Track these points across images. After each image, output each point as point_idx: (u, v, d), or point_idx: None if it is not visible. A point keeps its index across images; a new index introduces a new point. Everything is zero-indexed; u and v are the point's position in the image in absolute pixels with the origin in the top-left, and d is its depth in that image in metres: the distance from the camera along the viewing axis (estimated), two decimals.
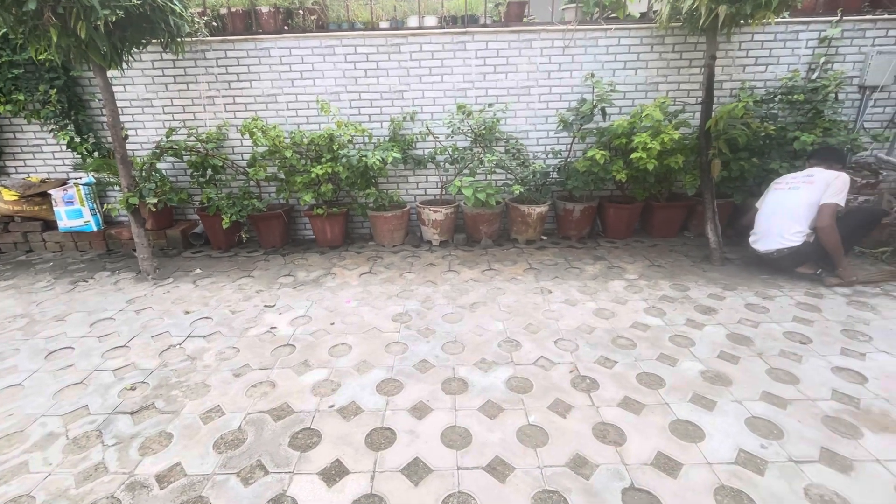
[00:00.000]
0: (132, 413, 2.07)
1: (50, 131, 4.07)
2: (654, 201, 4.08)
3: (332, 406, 2.08)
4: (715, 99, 3.97)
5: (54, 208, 4.09)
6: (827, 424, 1.87)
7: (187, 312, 3.02)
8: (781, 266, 3.25)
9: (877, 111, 4.08)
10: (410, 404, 2.07)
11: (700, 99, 3.51)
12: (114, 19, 2.68)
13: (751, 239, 3.37)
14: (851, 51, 3.92)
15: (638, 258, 3.74)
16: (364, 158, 3.60)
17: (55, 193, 4.04)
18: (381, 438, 1.88)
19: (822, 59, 3.89)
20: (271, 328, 2.79)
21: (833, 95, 3.72)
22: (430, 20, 3.95)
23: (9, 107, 3.80)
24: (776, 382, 2.15)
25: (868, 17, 3.82)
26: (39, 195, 4.17)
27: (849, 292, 3.01)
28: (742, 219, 3.69)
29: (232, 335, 2.73)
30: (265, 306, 3.09)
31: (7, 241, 4.28)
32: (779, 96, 3.81)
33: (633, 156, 3.46)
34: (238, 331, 2.77)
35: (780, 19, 3.78)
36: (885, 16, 3.81)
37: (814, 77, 3.91)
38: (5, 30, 2.86)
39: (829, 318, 2.70)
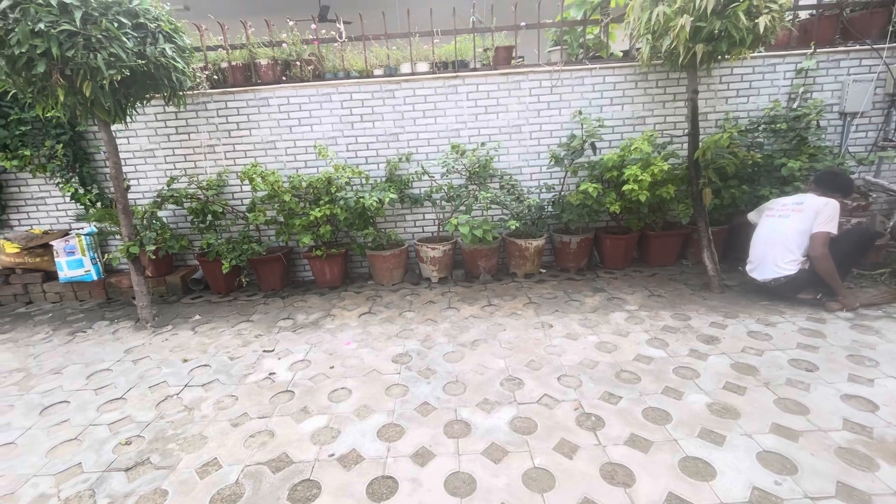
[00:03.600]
0: (126, 469, 2.02)
1: (56, 184, 4.17)
2: (649, 231, 4.12)
3: (332, 455, 2.03)
4: (701, 130, 4.11)
5: (55, 259, 4.12)
6: (841, 456, 1.81)
7: (185, 360, 2.99)
8: (781, 293, 3.25)
9: (860, 136, 4.19)
10: (412, 450, 2.02)
11: (686, 131, 3.62)
12: (119, 78, 2.80)
13: (747, 267, 3.38)
14: (828, 80, 4.07)
15: (637, 288, 3.74)
16: (361, 199, 3.67)
17: (57, 244, 4.08)
18: (382, 488, 1.82)
19: (801, 89, 4.03)
20: (270, 374, 2.75)
21: (815, 122, 3.83)
22: (423, 66, 4.12)
23: (15, 162, 3.91)
24: (785, 413, 2.10)
25: (840, 48, 3.99)
26: (41, 246, 4.21)
27: (851, 316, 2.99)
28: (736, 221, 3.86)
29: (230, 383, 2.69)
30: (264, 351, 3.06)
31: (7, 293, 4.29)
32: (762, 125, 3.93)
33: (625, 188, 3.53)
34: (236, 378, 2.74)
35: (756, 54, 3.95)
36: (857, 47, 3.98)
37: (794, 106, 4.05)
38: (14, 91, 2.97)
39: (834, 344, 2.67)
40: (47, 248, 4.20)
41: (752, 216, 3.52)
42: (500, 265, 4.39)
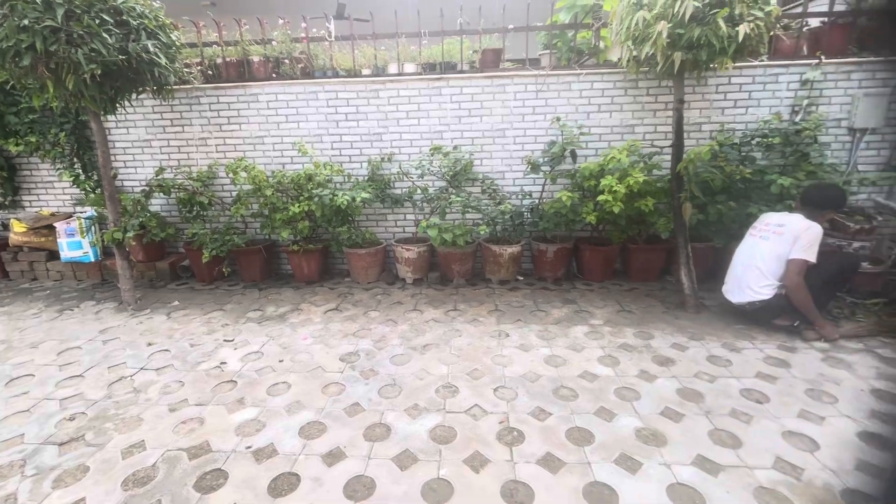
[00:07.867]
0: (60, 444, 2.13)
1: (56, 170, 4.43)
2: (631, 244, 3.98)
3: (250, 447, 2.07)
4: (695, 141, 3.94)
5: (58, 240, 4.38)
6: (758, 497, 1.71)
7: (150, 344, 3.12)
8: (757, 318, 3.07)
9: (870, 154, 3.90)
10: (327, 449, 2.04)
11: (673, 141, 3.47)
12: (99, 72, 2.94)
13: (724, 289, 3.23)
14: (837, 93, 3.80)
15: (609, 302, 3.62)
16: (335, 198, 3.71)
17: (59, 226, 4.33)
18: (285, 484, 1.85)
19: (805, 102, 3.79)
20: (221, 363, 2.83)
21: (814, 137, 3.59)
22: (410, 67, 4.13)
23: (22, 147, 4.17)
24: (716, 445, 1.99)
25: (852, 59, 3.73)
26: (46, 227, 4.48)
27: (826, 347, 2.80)
28: None
29: (183, 369, 2.78)
30: (224, 340, 3.15)
31: (15, 269, 4.60)
32: (755, 139, 3.72)
33: (599, 198, 3.42)
34: (190, 365, 2.83)
35: (757, 63, 3.75)
36: (871, 58, 3.71)
37: (797, 119, 3.81)
38: (13, 82, 3.17)
39: (797, 376, 2.51)
40: (52, 228, 4.46)
41: None
42: (477, 270, 4.34)
